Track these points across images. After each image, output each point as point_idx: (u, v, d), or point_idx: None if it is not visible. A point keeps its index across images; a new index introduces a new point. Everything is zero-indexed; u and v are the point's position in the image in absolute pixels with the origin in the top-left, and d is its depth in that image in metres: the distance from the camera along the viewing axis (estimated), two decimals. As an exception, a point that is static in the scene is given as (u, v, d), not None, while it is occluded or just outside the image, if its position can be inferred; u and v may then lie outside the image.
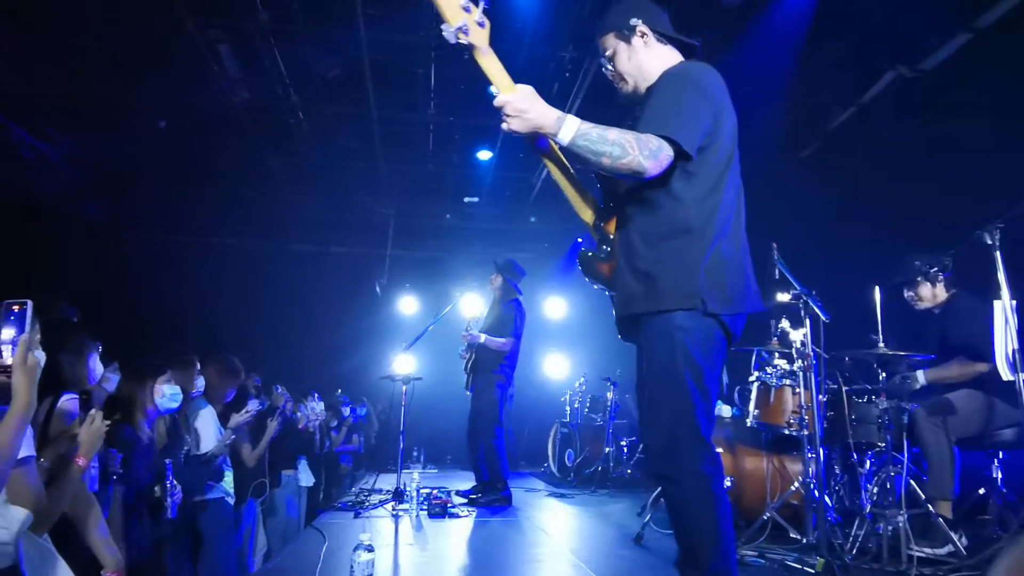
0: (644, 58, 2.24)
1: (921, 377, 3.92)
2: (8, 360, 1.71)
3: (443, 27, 1.95)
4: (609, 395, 7.25)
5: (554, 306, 10.58)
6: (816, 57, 5.38)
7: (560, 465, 7.53)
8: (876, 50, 5.29)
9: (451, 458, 9.65)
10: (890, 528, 3.39)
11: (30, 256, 6.70)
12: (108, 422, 2.48)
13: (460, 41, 1.97)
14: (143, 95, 6.48)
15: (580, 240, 2.48)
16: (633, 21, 2.23)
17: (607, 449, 6.84)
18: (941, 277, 4.06)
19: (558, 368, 10.41)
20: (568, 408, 8.13)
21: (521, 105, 1.95)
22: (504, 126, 1.99)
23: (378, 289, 10.80)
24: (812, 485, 3.55)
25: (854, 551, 3.43)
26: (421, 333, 5.62)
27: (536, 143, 2.15)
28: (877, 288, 3.64)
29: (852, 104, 6.02)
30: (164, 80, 6.25)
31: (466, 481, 5.87)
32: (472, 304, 6.35)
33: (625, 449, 7.04)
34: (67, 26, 5.40)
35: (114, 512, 2.97)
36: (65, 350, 2.51)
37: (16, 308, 1.77)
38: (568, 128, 1.93)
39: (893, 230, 5.18)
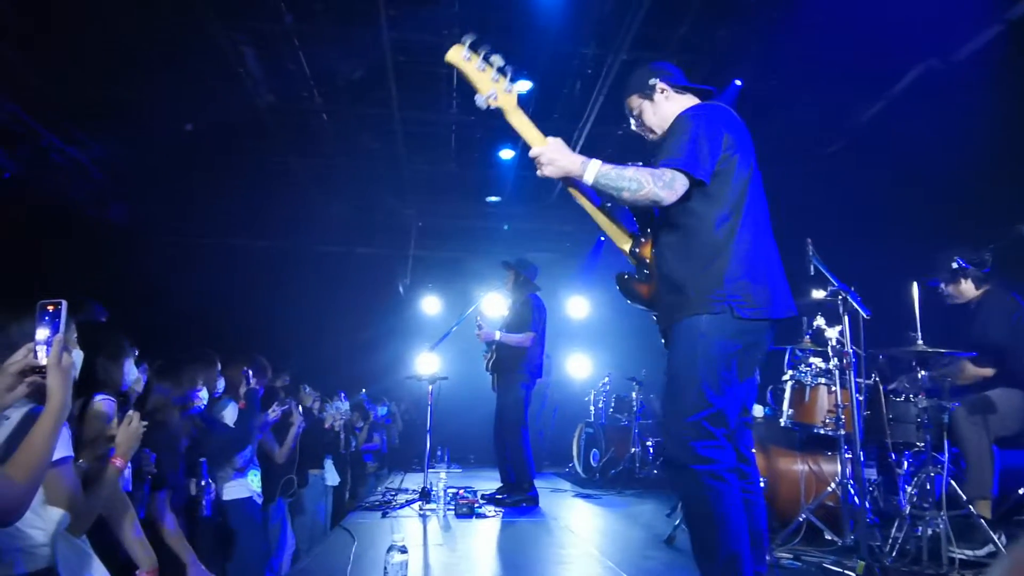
0: (667, 110, 2.51)
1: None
2: (43, 361, 1.69)
3: (476, 96, 2.35)
4: (634, 395, 7.17)
5: (577, 306, 10.49)
6: (844, 50, 5.27)
7: (585, 465, 7.48)
8: (905, 42, 5.18)
9: (474, 458, 9.64)
10: (930, 530, 3.31)
11: (58, 259, 6.78)
12: (145, 423, 2.49)
13: (490, 106, 2.36)
14: (169, 98, 6.54)
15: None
16: (652, 81, 2.52)
17: (633, 450, 6.77)
18: (967, 275, 3.96)
19: (582, 368, 10.33)
20: (592, 408, 8.05)
21: (553, 155, 2.32)
22: (539, 173, 2.36)
23: (401, 290, 10.82)
24: (850, 486, 3.47)
25: (893, 553, 3.36)
26: (446, 333, 5.60)
27: (577, 186, 2.45)
28: (915, 284, 3.55)
29: (881, 97, 5.92)
30: (189, 83, 6.30)
31: (491, 481, 5.84)
32: (494, 304, 6.31)
33: (651, 449, 6.92)
34: (94, 31, 5.45)
35: (154, 518, 2.99)
36: (102, 354, 2.52)
37: (51, 308, 1.75)
38: (591, 170, 2.27)
39: (929, 224, 5.06)
